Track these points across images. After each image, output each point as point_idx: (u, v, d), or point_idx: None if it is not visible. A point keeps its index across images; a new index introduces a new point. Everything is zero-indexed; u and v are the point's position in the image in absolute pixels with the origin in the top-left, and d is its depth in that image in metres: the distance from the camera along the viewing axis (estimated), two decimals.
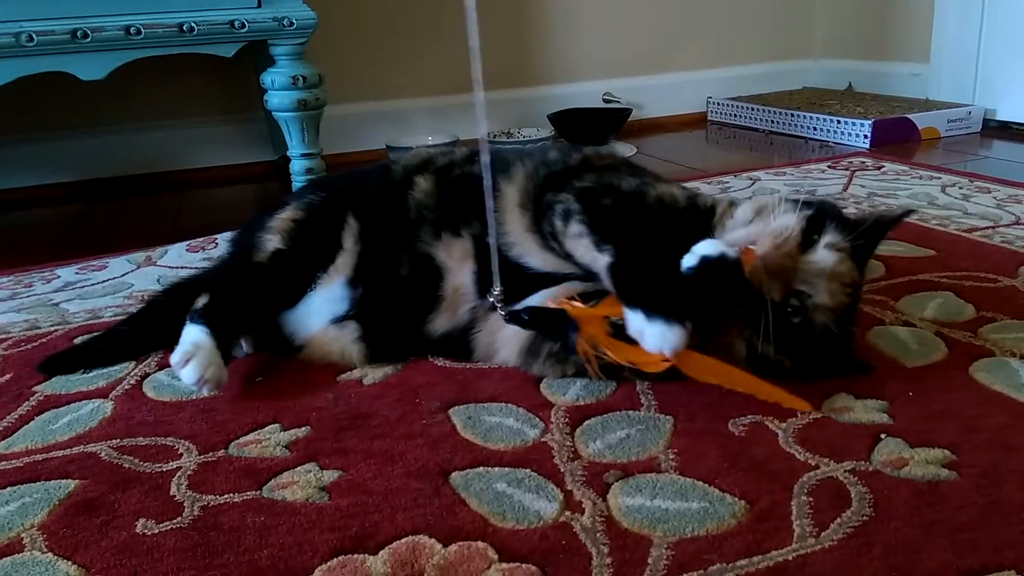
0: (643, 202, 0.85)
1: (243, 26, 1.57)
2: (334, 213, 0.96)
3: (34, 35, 1.45)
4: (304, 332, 0.95)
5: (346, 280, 0.93)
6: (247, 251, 0.97)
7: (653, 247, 0.79)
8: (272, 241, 0.96)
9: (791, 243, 0.77)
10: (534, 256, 0.87)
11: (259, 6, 1.58)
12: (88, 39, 1.48)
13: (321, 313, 0.94)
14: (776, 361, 0.78)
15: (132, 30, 1.50)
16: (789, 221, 0.78)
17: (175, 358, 0.85)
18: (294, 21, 1.59)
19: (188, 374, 0.83)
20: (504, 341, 0.89)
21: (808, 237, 0.79)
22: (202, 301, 0.91)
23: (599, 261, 0.79)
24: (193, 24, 1.54)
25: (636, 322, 0.74)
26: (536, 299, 0.85)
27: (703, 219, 0.84)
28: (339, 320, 0.93)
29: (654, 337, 0.72)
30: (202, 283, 0.99)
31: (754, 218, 0.82)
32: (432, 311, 0.91)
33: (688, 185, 1.19)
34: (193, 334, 0.87)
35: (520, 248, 0.87)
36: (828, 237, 0.78)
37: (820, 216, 0.80)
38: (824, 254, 0.78)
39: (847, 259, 0.79)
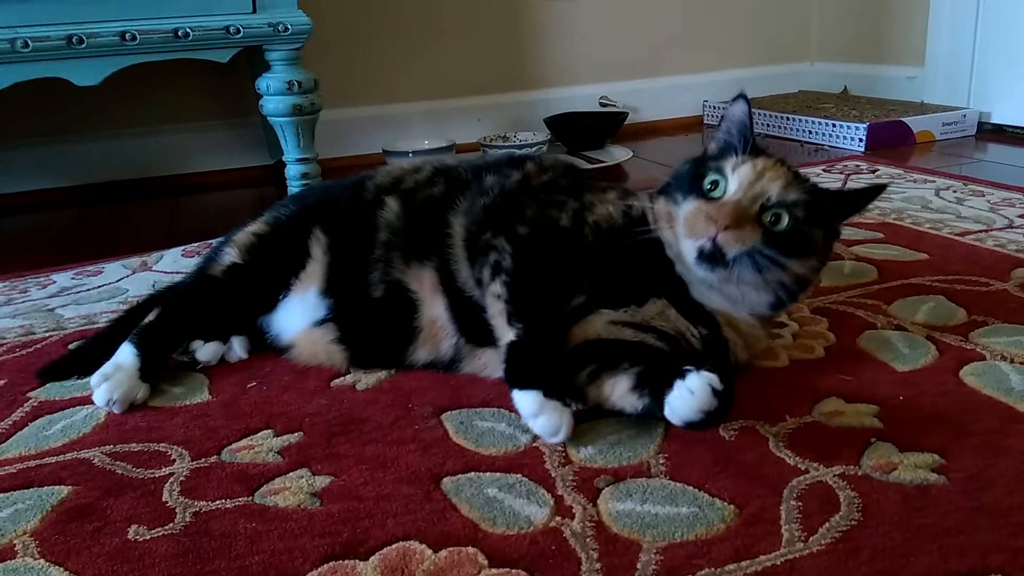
0: (580, 240, 0.84)
1: (238, 32, 1.57)
2: (301, 225, 0.96)
3: (29, 41, 1.45)
4: (288, 334, 0.95)
5: (319, 290, 0.93)
6: (207, 264, 0.99)
7: (553, 331, 0.81)
8: (230, 255, 0.97)
9: (705, 207, 0.78)
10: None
11: (254, 11, 1.59)
12: (83, 45, 1.48)
13: (300, 316, 0.94)
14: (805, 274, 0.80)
15: (127, 36, 1.51)
16: (682, 206, 0.80)
17: (94, 378, 0.88)
18: (289, 26, 1.60)
19: (98, 396, 0.87)
20: (495, 368, 0.87)
21: (704, 194, 0.80)
22: (149, 318, 0.94)
23: (504, 333, 0.79)
24: (188, 30, 1.54)
25: (529, 404, 0.75)
26: None
27: (640, 228, 0.83)
28: (319, 323, 0.93)
29: (546, 424, 0.74)
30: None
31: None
32: (411, 342, 0.90)
33: None
34: (120, 355, 0.90)
35: (478, 291, 0.85)
36: (728, 163, 0.81)
37: (687, 175, 0.83)
38: (738, 174, 0.79)
39: (752, 158, 0.81)
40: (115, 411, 0.87)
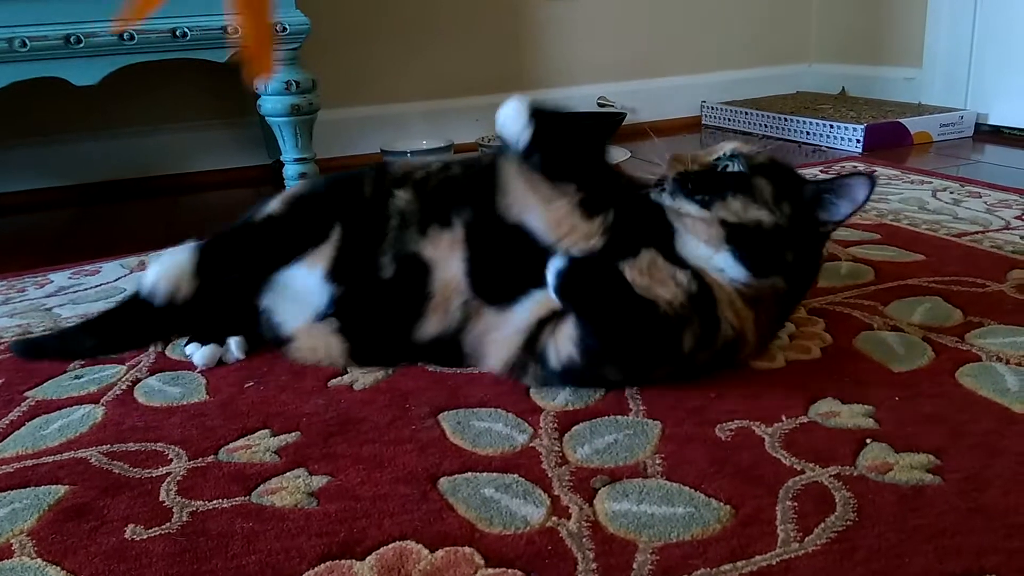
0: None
1: (236, 31, 1.57)
2: (326, 205, 0.98)
3: (27, 41, 1.45)
4: (289, 325, 0.95)
5: (324, 272, 0.93)
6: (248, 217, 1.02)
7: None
8: (271, 206, 0.99)
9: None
10: (534, 215, 0.87)
11: None
12: (81, 44, 1.48)
13: (303, 304, 0.94)
14: (751, 223, 0.82)
15: (125, 35, 1.51)
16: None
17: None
18: (287, 26, 1.60)
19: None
20: (493, 346, 0.89)
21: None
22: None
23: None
24: (186, 29, 1.54)
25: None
26: (524, 309, 0.86)
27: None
28: (322, 318, 0.93)
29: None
30: None
31: None
32: (421, 314, 0.90)
33: None
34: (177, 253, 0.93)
35: (519, 207, 0.88)
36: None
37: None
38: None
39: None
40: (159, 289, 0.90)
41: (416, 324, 0.90)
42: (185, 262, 0.91)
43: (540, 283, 0.83)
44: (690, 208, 0.83)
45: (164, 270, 0.90)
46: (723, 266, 0.83)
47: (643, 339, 0.80)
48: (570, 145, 0.88)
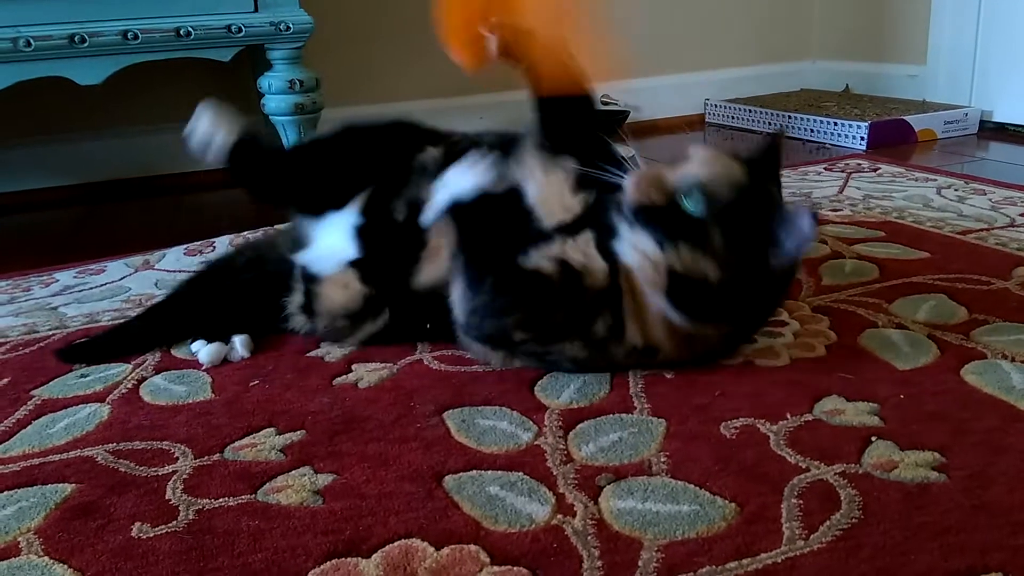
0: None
1: (240, 31, 1.57)
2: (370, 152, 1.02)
3: (32, 40, 1.45)
4: (324, 269, 0.97)
5: (358, 209, 0.96)
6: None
7: None
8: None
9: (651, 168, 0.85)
10: (532, 181, 0.90)
11: (256, 10, 1.59)
12: (86, 44, 1.48)
13: (336, 251, 0.96)
14: (697, 275, 0.80)
15: (129, 35, 1.51)
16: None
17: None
18: (291, 25, 1.60)
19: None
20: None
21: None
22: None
23: None
24: (190, 29, 1.55)
25: None
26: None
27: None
28: (351, 265, 0.96)
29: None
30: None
31: None
32: (418, 260, 0.92)
33: None
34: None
35: (524, 174, 0.91)
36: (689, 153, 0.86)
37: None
38: (692, 156, 0.84)
39: (713, 152, 0.85)
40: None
41: (414, 271, 0.93)
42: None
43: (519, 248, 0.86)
44: (643, 244, 0.82)
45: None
46: (661, 305, 0.83)
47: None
48: (572, 128, 0.93)
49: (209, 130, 0.99)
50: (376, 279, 0.95)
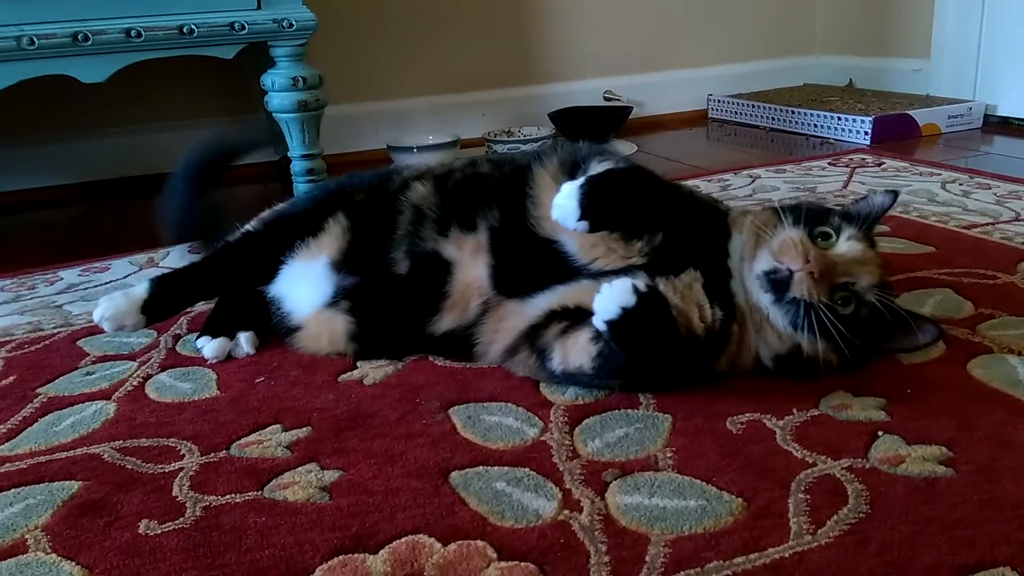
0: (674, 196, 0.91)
1: (243, 28, 1.57)
2: (322, 207, 0.99)
3: (35, 38, 1.45)
4: (299, 313, 0.97)
5: (329, 261, 0.94)
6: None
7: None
8: (248, 226, 1.03)
9: (809, 246, 0.79)
10: (568, 235, 0.85)
11: (259, 8, 1.59)
12: (89, 42, 1.48)
13: (308, 291, 0.95)
14: (824, 360, 0.79)
15: (132, 33, 1.51)
16: (788, 231, 0.81)
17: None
18: (294, 22, 1.60)
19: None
20: (502, 333, 0.88)
21: (811, 235, 0.81)
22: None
23: None
24: (193, 26, 1.54)
25: None
26: (545, 297, 0.86)
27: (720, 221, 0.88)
28: (329, 305, 0.94)
29: None
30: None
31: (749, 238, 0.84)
32: (437, 310, 0.90)
33: (689, 183, 1.20)
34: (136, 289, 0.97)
35: (552, 224, 0.85)
36: (846, 231, 0.82)
37: (811, 213, 0.83)
38: (849, 244, 0.81)
39: (866, 243, 0.82)
40: (106, 328, 0.95)
41: (431, 320, 0.91)
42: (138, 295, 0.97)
43: (562, 280, 0.84)
44: (781, 327, 0.80)
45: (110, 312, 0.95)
46: (764, 356, 0.83)
47: (672, 371, 0.81)
48: (617, 203, 0.83)
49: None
50: (368, 330, 0.94)
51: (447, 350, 0.93)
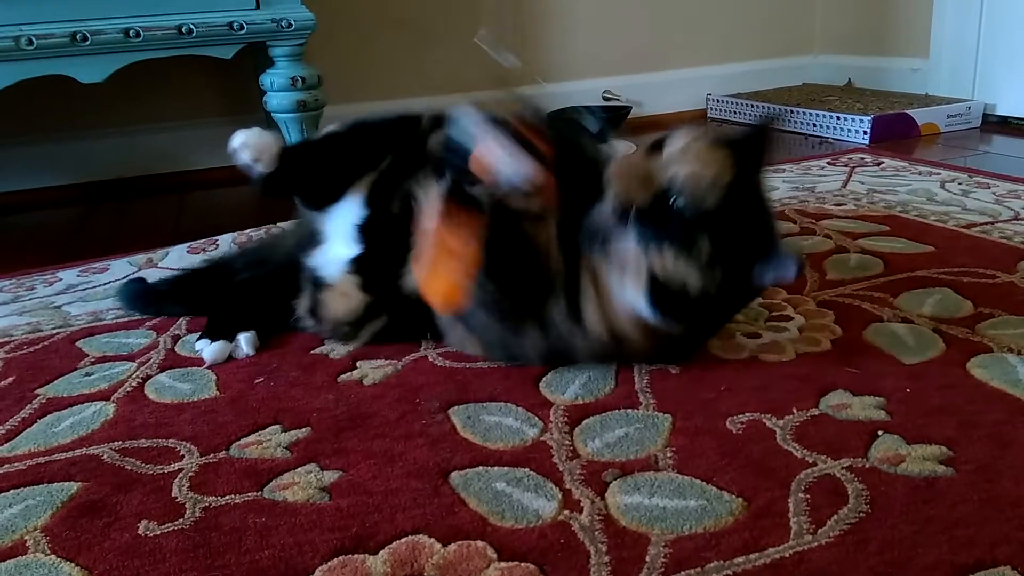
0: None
1: (241, 28, 1.57)
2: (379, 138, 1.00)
3: (34, 38, 1.45)
4: (330, 274, 0.97)
5: (362, 206, 0.95)
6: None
7: None
8: (331, 127, 1.02)
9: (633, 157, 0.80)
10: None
11: (257, 8, 1.59)
12: (87, 42, 1.48)
13: (341, 256, 0.95)
14: (677, 281, 0.77)
15: (131, 32, 1.51)
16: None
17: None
18: (292, 22, 1.60)
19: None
20: None
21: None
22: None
23: None
24: (192, 26, 1.54)
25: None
26: None
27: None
28: (351, 270, 0.95)
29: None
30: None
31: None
32: (407, 260, 0.90)
33: None
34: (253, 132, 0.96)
35: None
36: (674, 140, 0.81)
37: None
38: (672, 145, 0.80)
39: (704, 142, 0.80)
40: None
41: (403, 271, 0.91)
42: (272, 143, 0.95)
43: None
44: (629, 244, 0.78)
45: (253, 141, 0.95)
46: (631, 301, 0.80)
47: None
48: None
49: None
50: (374, 283, 0.94)
51: (420, 318, 0.92)
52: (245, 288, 1.05)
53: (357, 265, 0.95)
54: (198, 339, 1.00)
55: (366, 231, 0.95)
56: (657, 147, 0.82)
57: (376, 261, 0.94)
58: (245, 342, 0.99)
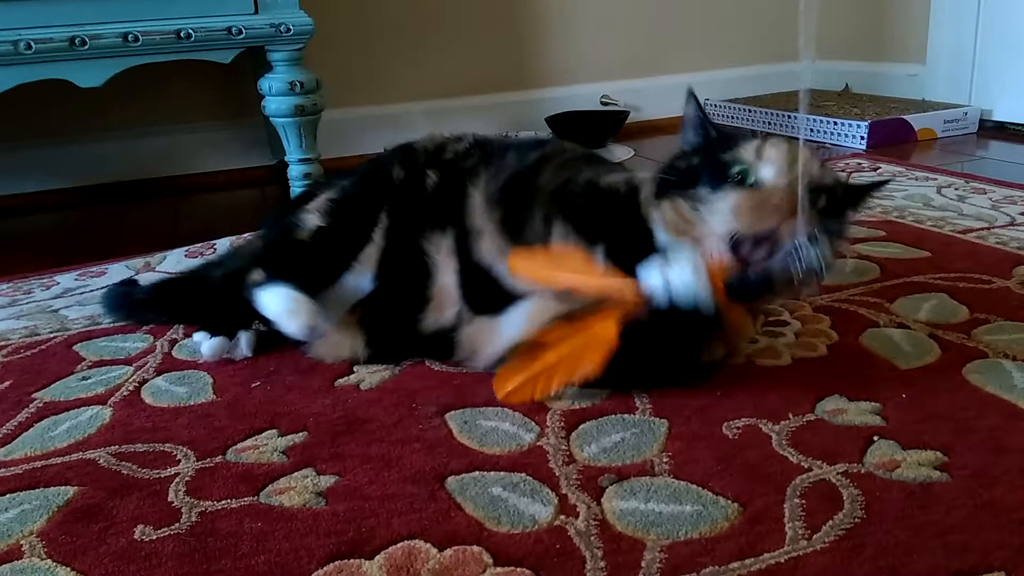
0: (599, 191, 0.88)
1: (240, 32, 1.57)
2: (367, 202, 0.97)
3: (32, 43, 1.45)
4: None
5: (372, 275, 0.94)
6: (287, 231, 0.97)
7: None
8: (312, 219, 0.96)
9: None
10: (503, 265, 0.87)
11: (256, 12, 1.59)
12: (86, 46, 1.48)
13: (344, 304, 0.95)
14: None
15: (130, 37, 1.51)
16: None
17: (276, 312, 0.89)
18: (291, 27, 1.60)
19: (297, 328, 0.89)
20: (483, 340, 0.89)
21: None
22: (259, 274, 0.94)
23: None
24: (190, 31, 1.55)
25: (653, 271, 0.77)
26: (515, 317, 0.86)
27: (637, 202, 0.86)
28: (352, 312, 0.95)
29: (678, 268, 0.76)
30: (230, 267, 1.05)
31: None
32: (423, 308, 0.91)
33: None
34: (281, 292, 0.90)
35: (491, 256, 0.88)
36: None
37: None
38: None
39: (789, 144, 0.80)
40: (313, 338, 0.92)
41: (420, 316, 0.92)
42: (304, 297, 0.90)
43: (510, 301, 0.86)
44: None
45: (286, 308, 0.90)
46: None
47: None
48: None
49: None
50: (374, 324, 0.94)
51: (434, 351, 0.93)
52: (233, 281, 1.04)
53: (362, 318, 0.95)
54: (196, 332, 1.00)
55: (374, 298, 0.94)
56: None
57: (389, 319, 0.94)
58: (245, 342, 0.98)
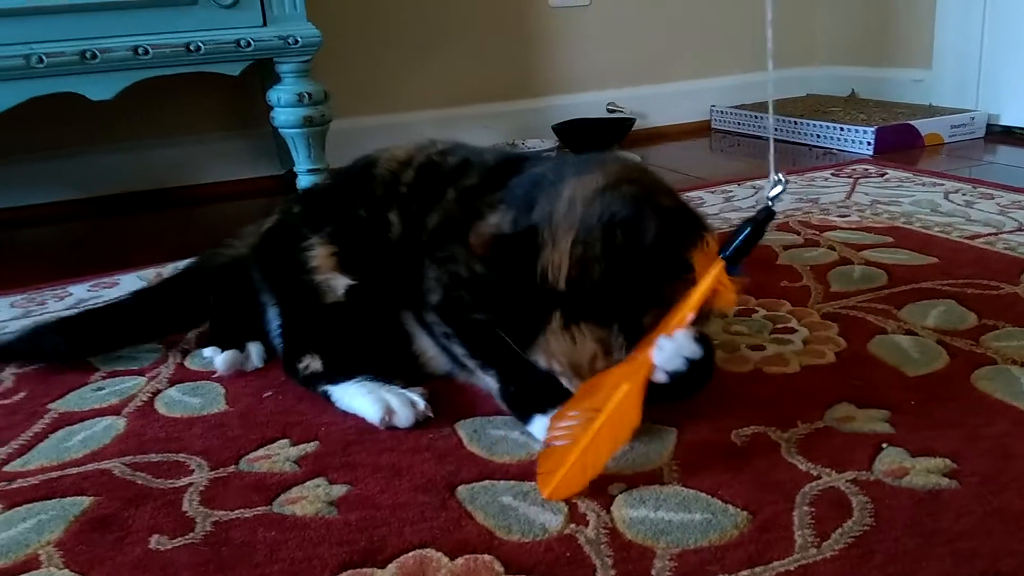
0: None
1: (249, 45, 1.59)
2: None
3: (44, 57, 1.47)
4: None
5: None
6: (313, 296, 0.92)
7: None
8: (338, 279, 0.91)
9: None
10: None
11: (264, 25, 1.61)
12: (97, 60, 1.50)
13: None
14: None
15: (140, 50, 1.53)
16: None
17: (380, 417, 0.83)
18: (299, 39, 1.61)
19: (407, 418, 0.82)
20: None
21: None
22: (315, 363, 0.90)
23: (488, 383, 0.84)
24: (200, 44, 1.56)
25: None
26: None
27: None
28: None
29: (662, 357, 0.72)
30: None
31: None
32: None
33: (691, 195, 1.20)
34: (366, 390, 0.86)
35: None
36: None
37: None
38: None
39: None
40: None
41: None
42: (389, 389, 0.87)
43: None
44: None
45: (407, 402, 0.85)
46: None
47: None
48: None
49: None
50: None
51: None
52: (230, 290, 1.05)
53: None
54: (207, 346, 1.01)
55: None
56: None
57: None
58: (255, 353, 0.99)
